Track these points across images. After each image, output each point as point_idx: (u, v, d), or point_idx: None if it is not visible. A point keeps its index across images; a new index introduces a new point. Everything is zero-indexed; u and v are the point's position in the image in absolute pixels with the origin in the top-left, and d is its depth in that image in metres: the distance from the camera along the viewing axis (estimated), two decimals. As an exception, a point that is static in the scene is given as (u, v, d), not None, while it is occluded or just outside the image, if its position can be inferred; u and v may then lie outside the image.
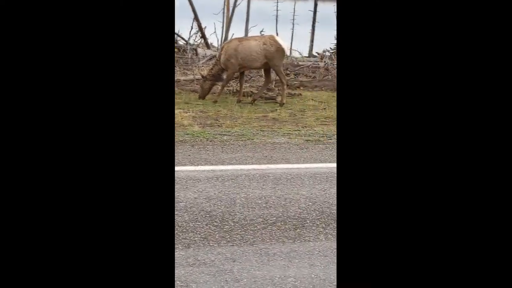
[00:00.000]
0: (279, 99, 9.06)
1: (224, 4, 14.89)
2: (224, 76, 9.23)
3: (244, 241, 3.75)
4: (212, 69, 9.19)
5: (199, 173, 5.16)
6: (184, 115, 7.71)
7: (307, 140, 6.66)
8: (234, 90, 9.67)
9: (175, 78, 10.03)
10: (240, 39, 9.49)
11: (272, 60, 8.84)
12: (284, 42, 9.11)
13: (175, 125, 7.14)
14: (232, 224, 4.00)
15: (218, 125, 7.36)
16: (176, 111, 7.84)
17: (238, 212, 4.23)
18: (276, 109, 8.62)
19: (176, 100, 8.78)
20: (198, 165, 5.46)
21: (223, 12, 14.88)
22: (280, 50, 8.85)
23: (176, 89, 9.61)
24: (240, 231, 3.90)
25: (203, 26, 12.90)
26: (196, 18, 12.75)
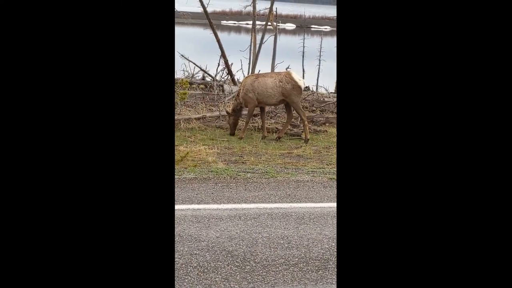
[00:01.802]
0: (304, 135, 9.06)
1: (251, 41, 15.07)
2: (243, 112, 9.31)
3: (265, 282, 3.71)
4: (233, 104, 9.31)
5: (222, 212, 5.15)
6: (209, 152, 7.74)
7: (331, 178, 6.61)
8: (259, 127, 9.70)
9: (201, 115, 10.11)
10: (257, 75, 9.59)
11: (289, 97, 8.88)
12: (300, 78, 9.14)
13: (200, 161, 7.17)
14: (254, 265, 3.97)
15: (242, 162, 7.37)
16: (201, 147, 7.89)
17: (260, 252, 4.20)
18: (301, 146, 8.62)
19: (201, 137, 8.84)
20: (221, 203, 5.45)
21: (250, 49, 15.06)
22: (296, 87, 8.88)
23: (202, 125, 9.68)
24: (262, 272, 3.86)
25: (230, 62, 13.05)
26: (223, 54, 12.92)
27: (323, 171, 7.02)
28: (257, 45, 14.33)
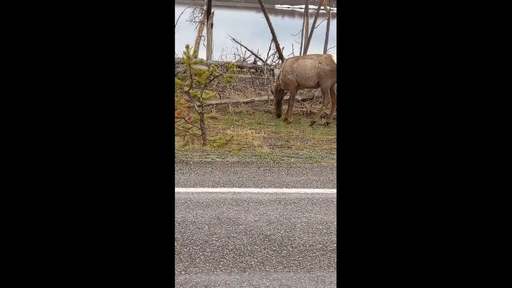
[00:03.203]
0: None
1: (303, 25, 14.93)
2: (283, 94, 9.27)
3: (301, 267, 3.68)
4: (274, 86, 9.34)
5: (262, 196, 5.13)
6: (256, 136, 7.74)
7: (377, 165, 6.50)
8: (308, 112, 9.63)
9: (250, 99, 10.11)
10: (297, 57, 9.52)
11: (322, 78, 8.73)
12: None
13: (245, 145, 7.18)
14: (291, 249, 3.94)
15: (288, 147, 7.33)
16: (248, 131, 7.89)
17: (297, 237, 4.17)
18: (349, 132, 8.49)
19: (249, 121, 8.84)
20: (262, 187, 5.44)
21: (302, 33, 14.92)
22: (335, 70, 8.71)
23: (250, 109, 9.68)
24: (298, 257, 3.83)
25: (281, 47, 12.96)
26: (274, 39, 12.84)
27: (369, 157, 6.90)
28: (309, 30, 14.18)
